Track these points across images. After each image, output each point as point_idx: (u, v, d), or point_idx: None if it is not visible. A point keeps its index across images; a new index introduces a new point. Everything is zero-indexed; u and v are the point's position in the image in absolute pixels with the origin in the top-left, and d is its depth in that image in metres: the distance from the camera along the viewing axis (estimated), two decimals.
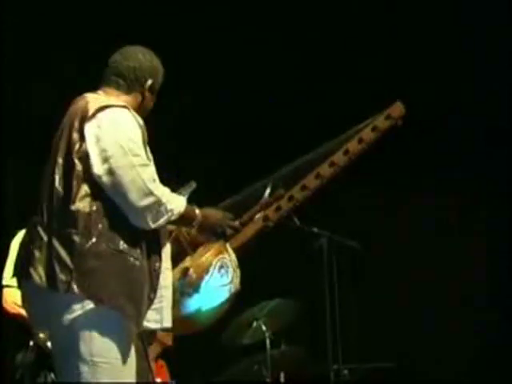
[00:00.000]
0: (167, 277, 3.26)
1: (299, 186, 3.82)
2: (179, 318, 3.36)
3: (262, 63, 6.49)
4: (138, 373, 3.20)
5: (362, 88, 6.46)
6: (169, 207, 3.18)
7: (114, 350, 3.08)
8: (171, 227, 3.39)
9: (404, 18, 6.40)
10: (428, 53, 6.46)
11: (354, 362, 5.61)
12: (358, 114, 6.06)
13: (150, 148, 3.26)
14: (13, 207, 4.80)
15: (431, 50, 6.45)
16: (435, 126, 6.49)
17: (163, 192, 3.18)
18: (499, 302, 6.50)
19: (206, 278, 3.44)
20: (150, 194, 3.12)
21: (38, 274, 3.09)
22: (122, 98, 3.32)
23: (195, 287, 3.42)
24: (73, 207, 3.10)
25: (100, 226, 3.09)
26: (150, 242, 3.20)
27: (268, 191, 3.68)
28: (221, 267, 3.47)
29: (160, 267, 3.21)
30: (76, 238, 3.07)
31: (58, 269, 3.06)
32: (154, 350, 4.82)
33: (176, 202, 3.22)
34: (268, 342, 5.46)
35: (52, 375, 4.28)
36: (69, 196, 3.11)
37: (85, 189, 3.11)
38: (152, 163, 3.22)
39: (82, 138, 3.14)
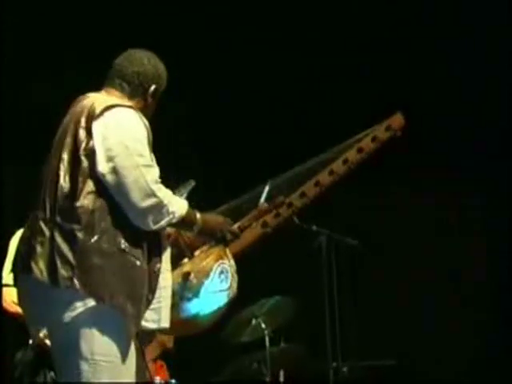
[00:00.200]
0: (166, 278, 3.26)
1: (298, 193, 3.86)
2: (177, 321, 3.37)
3: (262, 63, 6.49)
4: (136, 372, 3.21)
5: (363, 88, 6.47)
6: (170, 209, 3.19)
7: (114, 349, 3.09)
8: (170, 230, 3.40)
9: (404, 18, 6.40)
10: (428, 53, 6.46)
11: (353, 360, 5.62)
12: (359, 114, 6.08)
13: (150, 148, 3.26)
14: (12, 207, 4.79)
15: (431, 49, 6.45)
16: (435, 126, 6.48)
17: (165, 194, 3.19)
18: (499, 302, 6.50)
19: (206, 282, 3.45)
20: (153, 195, 3.13)
21: (39, 269, 3.10)
22: (124, 101, 3.33)
23: (195, 292, 3.43)
24: (77, 203, 3.11)
25: (103, 223, 3.10)
26: (151, 243, 3.21)
27: (264, 196, 3.69)
28: (221, 272, 3.48)
29: (160, 269, 3.22)
30: (79, 234, 3.08)
31: (59, 264, 3.06)
32: (153, 351, 4.84)
33: (178, 205, 3.23)
34: (267, 339, 5.47)
35: (52, 374, 4.29)
36: (74, 192, 3.12)
37: (90, 186, 3.13)
38: (156, 165, 3.23)
39: (90, 136, 3.16)
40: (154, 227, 3.17)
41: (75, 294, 3.06)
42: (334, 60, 6.49)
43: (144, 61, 3.41)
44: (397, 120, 4.04)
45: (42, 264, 3.10)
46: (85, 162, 3.14)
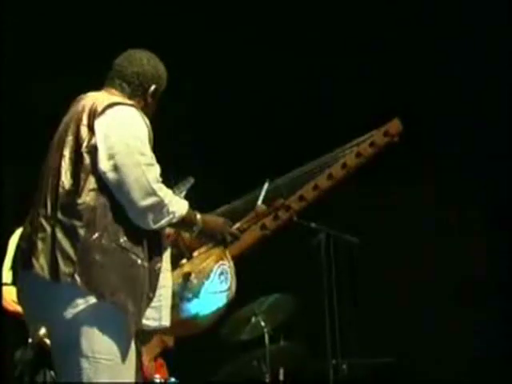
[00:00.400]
0: (167, 277, 3.27)
1: (297, 196, 3.90)
2: (177, 321, 3.37)
3: (262, 63, 6.49)
4: (135, 371, 3.22)
5: (363, 88, 6.47)
6: (171, 209, 3.19)
7: (115, 348, 3.09)
8: (170, 230, 3.40)
9: (404, 18, 6.40)
10: (428, 53, 6.46)
11: (353, 358, 5.62)
12: (359, 114, 6.08)
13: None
14: (12, 207, 4.80)
15: (431, 49, 6.45)
16: (435, 126, 6.49)
17: (166, 193, 3.19)
18: (499, 302, 6.50)
19: (207, 283, 3.47)
20: (154, 194, 3.13)
21: (40, 265, 3.10)
22: (125, 100, 3.34)
23: (195, 292, 3.45)
24: (79, 200, 3.12)
25: (104, 220, 3.11)
26: (152, 242, 3.21)
27: (261, 198, 3.70)
28: (221, 274, 3.50)
29: (161, 268, 3.22)
30: (80, 231, 3.09)
31: (60, 260, 3.07)
32: (153, 350, 4.84)
33: (178, 205, 3.24)
34: (267, 337, 5.48)
35: (52, 373, 4.29)
36: (75, 189, 3.13)
37: (92, 183, 3.14)
38: (157, 163, 3.23)
39: (92, 133, 3.17)
40: (154, 226, 3.17)
41: (76, 290, 3.06)
42: (334, 60, 6.49)
43: (144, 61, 3.43)
44: (394, 126, 4.09)
45: (42, 260, 3.10)
46: (87, 159, 3.15)
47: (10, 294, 4.29)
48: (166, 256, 3.29)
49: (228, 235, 3.49)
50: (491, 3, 6.21)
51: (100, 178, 3.13)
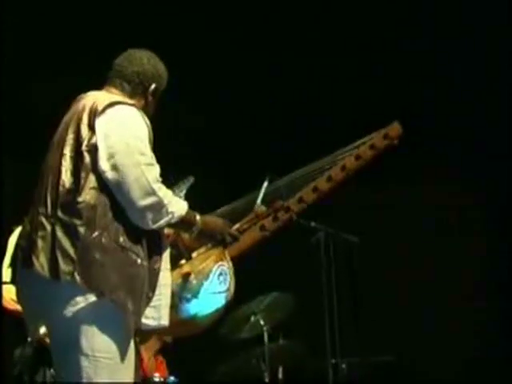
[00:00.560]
0: (166, 276, 3.27)
1: (296, 198, 3.90)
2: (176, 322, 3.37)
3: (262, 63, 6.49)
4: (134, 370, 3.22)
5: (363, 88, 6.47)
6: (170, 209, 3.19)
7: (115, 346, 3.09)
8: (169, 231, 3.40)
9: (404, 18, 6.40)
10: (428, 52, 6.46)
11: (352, 357, 5.63)
12: (359, 115, 6.08)
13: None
14: (11, 206, 4.80)
15: (431, 49, 6.45)
16: (435, 126, 6.49)
17: (166, 193, 3.19)
18: (499, 302, 6.50)
19: (206, 284, 3.48)
20: (153, 193, 3.14)
21: (40, 263, 3.10)
22: (126, 100, 3.35)
23: (194, 293, 3.46)
24: (79, 198, 3.12)
25: (104, 219, 3.11)
26: (152, 241, 3.21)
27: (260, 198, 3.70)
28: (220, 274, 3.51)
29: (160, 267, 3.22)
30: (80, 229, 3.09)
31: (60, 259, 3.07)
32: (153, 347, 4.84)
33: (178, 206, 3.24)
34: (266, 336, 5.49)
35: (51, 371, 4.29)
36: (75, 187, 3.14)
37: (92, 181, 3.14)
38: (156, 163, 3.24)
39: (92, 132, 3.17)
40: (153, 226, 3.18)
41: (76, 289, 3.06)
42: (334, 60, 6.49)
43: (144, 60, 3.44)
44: (394, 129, 4.09)
45: (43, 258, 3.10)
46: (87, 158, 3.15)
47: (10, 293, 4.28)
48: (166, 255, 3.29)
49: (227, 236, 3.50)
50: (491, 3, 6.21)
51: (100, 176, 3.13)
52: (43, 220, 3.16)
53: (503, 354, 6.29)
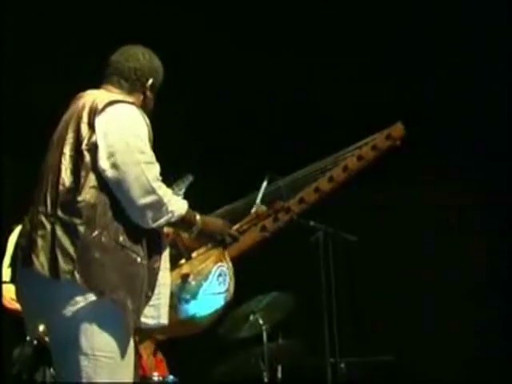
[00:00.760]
0: (166, 275, 3.27)
1: (297, 198, 3.90)
2: (175, 322, 3.38)
3: (262, 63, 6.49)
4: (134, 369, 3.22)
5: (363, 88, 6.47)
6: (170, 208, 3.19)
7: (115, 345, 3.09)
8: (169, 230, 3.40)
9: (404, 18, 6.40)
10: (428, 52, 6.46)
11: (351, 356, 5.63)
12: (359, 115, 6.08)
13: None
14: (11, 205, 4.80)
15: (431, 49, 6.45)
16: (435, 126, 6.48)
17: (166, 192, 3.19)
18: (499, 302, 6.49)
19: (205, 285, 3.48)
20: (153, 192, 3.13)
21: (40, 262, 3.10)
22: (125, 98, 3.35)
23: (193, 293, 3.46)
24: (79, 197, 3.12)
25: (104, 218, 3.12)
26: (151, 240, 3.21)
27: (259, 197, 3.70)
28: (219, 275, 3.51)
29: (160, 266, 3.22)
30: (80, 228, 3.09)
31: (60, 258, 3.07)
32: (149, 347, 4.83)
33: (177, 205, 3.24)
34: (265, 335, 5.49)
35: (51, 370, 4.29)
36: (75, 186, 3.14)
37: (92, 180, 3.14)
38: (156, 162, 3.24)
39: (92, 130, 3.17)
40: (153, 225, 3.18)
41: (76, 288, 3.06)
42: (334, 60, 6.49)
43: (139, 56, 3.45)
44: (397, 130, 4.08)
45: (43, 258, 3.10)
46: (87, 157, 3.15)
47: (9, 292, 4.28)
48: (165, 255, 3.29)
49: (227, 237, 3.50)
50: (491, 3, 6.21)
51: (100, 175, 3.13)
52: (43, 219, 3.16)
53: (503, 354, 6.28)
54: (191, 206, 3.32)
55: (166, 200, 3.17)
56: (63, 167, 3.17)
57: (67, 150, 3.19)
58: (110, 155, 3.12)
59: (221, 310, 3.52)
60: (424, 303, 6.41)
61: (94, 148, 3.15)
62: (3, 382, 4.52)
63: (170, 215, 3.20)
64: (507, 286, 6.49)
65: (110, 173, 3.12)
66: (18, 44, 5.76)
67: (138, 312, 3.13)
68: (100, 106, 3.20)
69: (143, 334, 3.45)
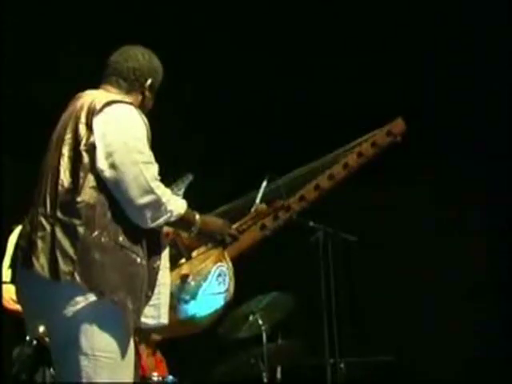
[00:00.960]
0: (165, 275, 3.27)
1: (297, 196, 3.88)
2: (175, 322, 3.37)
3: (262, 63, 6.49)
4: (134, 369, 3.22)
5: (363, 88, 6.47)
6: (168, 208, 3.19)
7: (115, 346, 3.09)
8: (169, 230, 3.40)
9: (404, 18, 6.41)
10: (428, 52, 6.46)
11: (351, 357, 5.63)
12: (359, 115, 6.08)
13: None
14: (11, 205, 4.80)
15: (431, 49, 6.45)
16: (435, 126, 6.48)
17: (164, 192, 3.19)
18: (499, 302, 6.49)
19: (204, 285, 3.48)
20: (151, 192, 3.13)
21: (40, 264, 3.10)
22: (124, 98, 3.35)
23: (193, 294, 3.46)
24: (78, 198, 3.11)
25: (104, 218, 3.11)
26: (151, 240, 3.21)
27: (259, 196, 3.69)
28: (219, 275, 3.50)
29: (159, 266, 3.22)
30: (80, 229, 3.08)
31: (60, 259, 3.07)
32: (149, 347, 4.84)
33: (176, 204, 3.24)
34: (264, 335, 5.48)
35: (51, 371, 4.28)
36: (74, 187, 3.13)
37: (91, 181, 3.13)
38: (155, 162, 3.24)
39: (90, 131, 3.17)
40: (152, 224, 3.17)
41: (76, 288, 3.06)
42: (334, 60, 6.49)
43: (138, 56, 3.44)
44: (398, 125, 4.05)
45: (42, 259, 3.10)
46: (86, 158, 3.15)
47: (9, 293, 4.28)
48: (165, 254, 3.28)
49: (227, 236, 3.49)
50: (491, 3, 6.21)
51: (99, 176, 3.13)
52: (43, 220, 3.15)
53: (503, 353, 6.29)
54: (191, 206, 3.32)
55: (164, 199, 3.17)
56: (62, 168, 3.17)
57: (66, 151, 3.19)
58: (108, 155, 3.12)
59: (220, 310, 3.51)
60: (424, 303, 6.41)
61: (92, 148, 3.14)
62: (3, 382, 4.52)
63: (168, 215, 3.19)
64: (507, 286, 6.49)
65: (108, 173, 3.12)
66: (17, 44, 5.76)
67: (138, 312, 3.13)
68: (98, 107, 3.19)
69: (143, 333, 3.45)
